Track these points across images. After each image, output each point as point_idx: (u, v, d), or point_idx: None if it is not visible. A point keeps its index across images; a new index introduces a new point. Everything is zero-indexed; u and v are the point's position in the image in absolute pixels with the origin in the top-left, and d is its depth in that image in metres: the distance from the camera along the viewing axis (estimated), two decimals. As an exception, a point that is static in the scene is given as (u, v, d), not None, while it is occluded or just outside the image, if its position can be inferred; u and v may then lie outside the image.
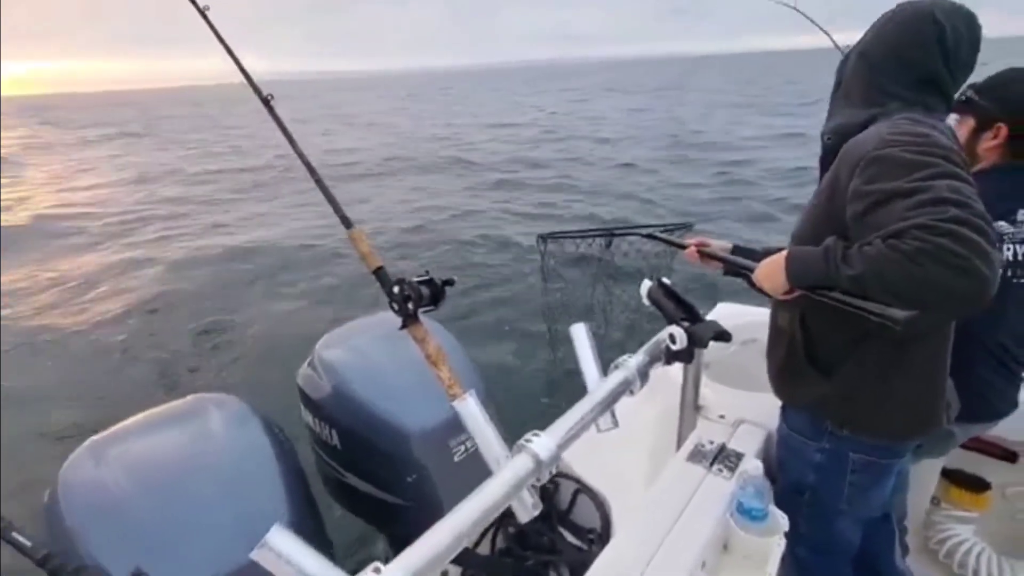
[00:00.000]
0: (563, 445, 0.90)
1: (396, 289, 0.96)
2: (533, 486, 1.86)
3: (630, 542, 1.09)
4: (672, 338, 1.11)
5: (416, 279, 0.97)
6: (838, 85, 1.10)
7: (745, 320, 1.99)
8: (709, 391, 1.54)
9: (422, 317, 1.00)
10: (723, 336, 1.11)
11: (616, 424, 1.11)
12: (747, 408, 1.44)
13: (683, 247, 1.41)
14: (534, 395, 3.55)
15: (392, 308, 0.97)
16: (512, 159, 14.24)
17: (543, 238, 2.05)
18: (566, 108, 29.42)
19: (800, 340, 1.10)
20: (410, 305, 0.95)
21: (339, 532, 2.17)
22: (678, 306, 1.16)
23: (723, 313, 2.08)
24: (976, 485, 1.75)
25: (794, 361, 1.12)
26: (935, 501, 1.85)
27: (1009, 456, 1.67)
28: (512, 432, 0.94)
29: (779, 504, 1.28)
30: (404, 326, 0.98)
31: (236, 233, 8.51)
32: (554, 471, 0.89)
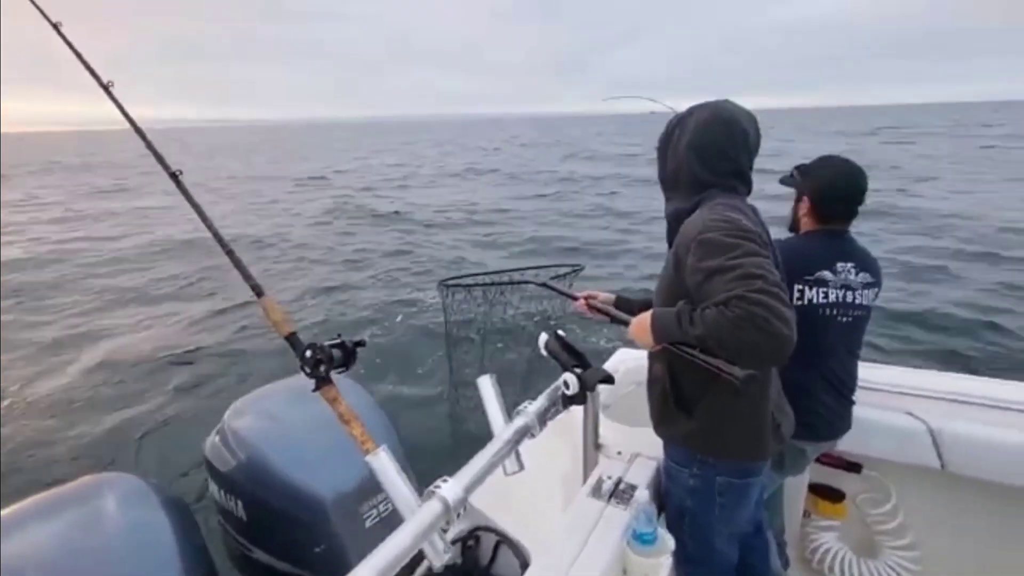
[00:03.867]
0: (470, 488, 0.98)
1: (308, 353, 1.01)
2: (455, 542, 1.87)
3: None
4: (566, 384, 1.25)
5: (328, 343, 1.04)
6: (664, 169, 1.33)
7: (640, 363, 2.21)
8: (609, 430, 1.69)
9: (334, 377, 1.06)
10: (608, 379, 1.27)
11: (522, 467, 1.21)
12: (641, 443, 1.61)
13: (574, 298, 1.59)
14: (443, 442, 3.58)
15: (304, 372, 1.02)
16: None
17: (445, 284, 2.18)
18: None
19: (668, 386, 1.30)
20: (322, 368, 1.01)
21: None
22: (570, 355, 1.31)
23: (621, 358, 2.29)
24: (834, 496, 2.03)
25: (665, 404, 1.31)
26: (807, 515, 2.11)
27: (854, 467, 1.97)
28: (424, 480, 1.02)
29: (669, 528, 1.43)
30: (317, 388, 1.03)
31: (130, 309, 7.78)
32: (462, 512, 0.96)
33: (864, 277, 1.62)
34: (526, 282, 1.95)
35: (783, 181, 1.78)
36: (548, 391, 1.29)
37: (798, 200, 1.70)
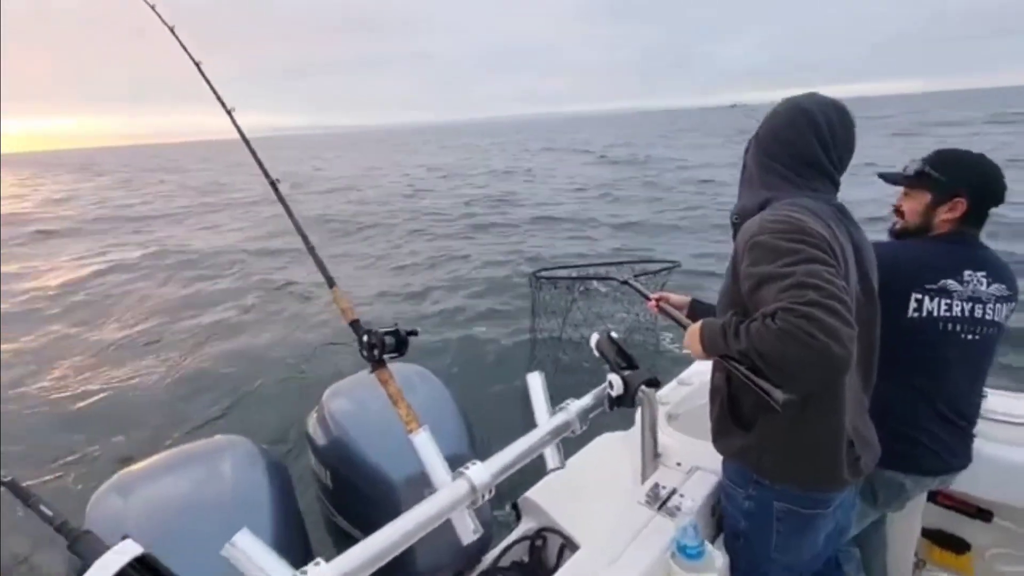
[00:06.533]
0: (498, 474, 1.03)
1: (365, 338, 1.14)
2: (523, 540, 1.92)
3: None
4: (611, 384, 1.25)
5: (383, 330, 1.16)
6: (744, 168, 1.27)
7: None
8: (673, 441, 1.63)
9: (393, 365, 1.17)
10: (653, 382, 1.24)
11: (562, 465, 1.23)
12: (704, 456, 1.53)
13: (648, 298, 1.54)
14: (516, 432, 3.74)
15: (362, 355, 1.15)
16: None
17: (536, 276, 2.22)
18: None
19: (727, 398, 1.22)
20: (375, 352, 1.13)
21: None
22: (620, 356, 1.30)
23: (697, 368, 2.18)
24: (957, 546, 1.74)
25: (723, 416, 1.24)
26: (920, 564, 1.83)
27: (984, 515, 1.67)
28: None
29: (728, 549, 1.35)
30: (372, 370, 1.16)
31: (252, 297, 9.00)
32: (491, 493, 1.01)
33: (998, 289, 1.38)
34: (609, 278, 1.95)
35: (896, 179, 1.52)
36: (596, 391, 1.30)
37: (938, 202, 1.43)
